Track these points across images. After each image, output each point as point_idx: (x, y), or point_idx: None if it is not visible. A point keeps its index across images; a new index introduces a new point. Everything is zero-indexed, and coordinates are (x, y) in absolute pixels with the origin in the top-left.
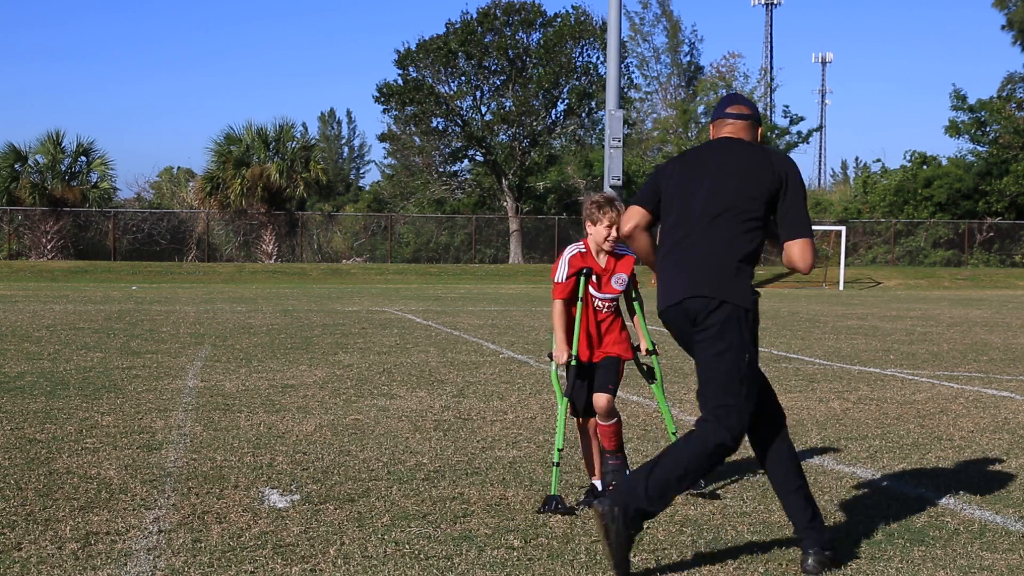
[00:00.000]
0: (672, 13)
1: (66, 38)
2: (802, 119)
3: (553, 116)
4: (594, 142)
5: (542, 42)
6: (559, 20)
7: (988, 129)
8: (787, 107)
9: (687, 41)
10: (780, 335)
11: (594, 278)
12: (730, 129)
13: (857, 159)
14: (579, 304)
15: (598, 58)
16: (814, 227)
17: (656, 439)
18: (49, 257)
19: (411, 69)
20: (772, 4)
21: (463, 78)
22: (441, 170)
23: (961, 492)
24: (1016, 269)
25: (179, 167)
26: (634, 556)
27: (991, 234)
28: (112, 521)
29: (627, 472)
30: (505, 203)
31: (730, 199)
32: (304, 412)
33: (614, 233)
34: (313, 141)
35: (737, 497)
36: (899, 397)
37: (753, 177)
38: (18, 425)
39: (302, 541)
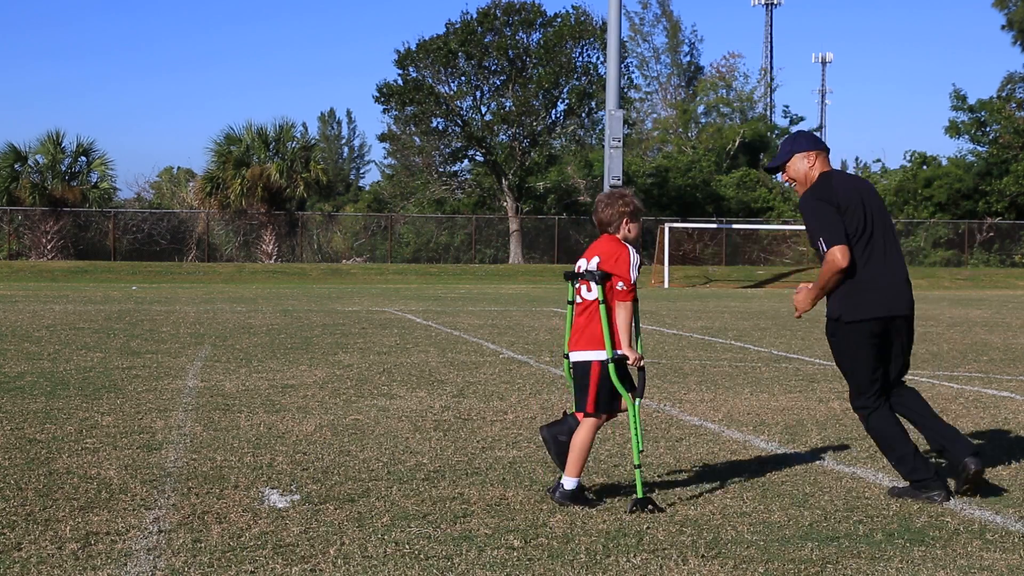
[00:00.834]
0: (672, 13)
1: (66, 38)
2: (802, 119)
3: (553, 116)
4: (594, 142)
5: (542, 42)
6: (559, 20)
7: (988, 129)
8: (787, 107)
9: (687, 41)
10: (780, 335)
11: None
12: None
13: (857, 159)
14: (636, 304)
15: (598, 58)
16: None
17: (656, 439)
18: (49, 257)
19: (411, 69)
20: (772, 4)
21: (463, 78)
22: (441, 170)
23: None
24: (1016, 269)
25: (179, 167)
26: (634, 556)
27: (991, 234)
28: (112, 521)
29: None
30: (505, 203)
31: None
32: (304, 412)
33: None
34: (313, 141)
35: (737, 497)
36: None
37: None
38: (18, 425)
39: (302, 541)
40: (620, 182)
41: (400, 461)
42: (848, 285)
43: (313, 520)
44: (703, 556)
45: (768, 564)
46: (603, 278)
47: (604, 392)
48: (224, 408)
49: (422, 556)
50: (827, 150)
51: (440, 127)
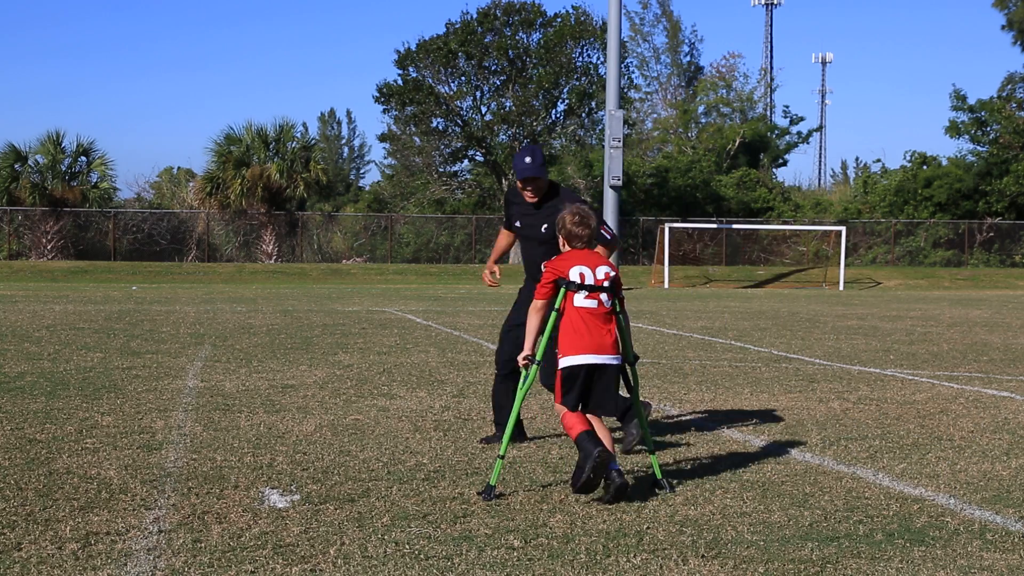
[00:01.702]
0: (672, 13)
1: (66, 38)
2: (802, 119)
3: (553, 116)
4: (594, 142)
5: (542, 42)
6: (559, 20)
7: (988, 129)
8: (787, 107)
9: (687, 41)
10: (780, 335)
11: None
12: None
13: (857, 159)
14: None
15: (598, 58)
16: (816, 227)
17: (655, 439)
18: (49, 257)
19: (411, 69)
20: (772, 4)
21: (463, 78)
22: (441, 170)
23: (961, 492)
24: (1016, 269)
25: (179, 167)
26: (634, 556)
27: (991, 234)
28: (112, 521)
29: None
30: None
31: None
32: (304, 412)
33: None
34: (313, 141)
35: (737, 497)
36: (899, 397)
37: None
38: (18, 425)
39: (302, 541)
40: (620, 182)
41: (400, 461)
42: None
43: (313, 520)
44: (703, 556)
45: (768, 564)
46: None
47: None
48: (224, 408)
49: (422, 556)
50: None
51: (440, 127)
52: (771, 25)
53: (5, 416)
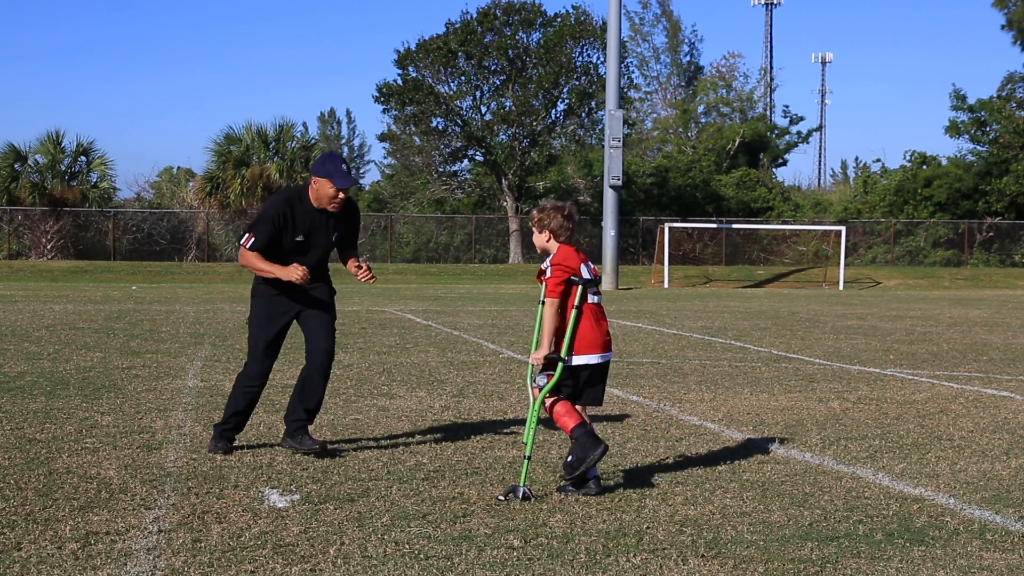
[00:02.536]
0: (672, 13)
1: (66, 38)
2: (802, 119)
3: (553, 116)
4: (594, 142)
5: (542, 42)
6: (559, 20)
7: (988, 129)
8: (787, 107)
9: (687, 41)
10: (780, 335)
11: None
12: None
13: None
14: None
15: (598, 58)
16: (816, 227)
17: (656, 439)
18: (49, 257)
19: (411, 69)
20: (772, 4)
21: (463, 78)
22: (441, 170)
23: (961, 492)
24: (1016, 269)
25: (179, 167)
26: (634, 556)
27: (991, 234)
28: (112, 521)
29: None
30: (505, 203)
31: None
32: None
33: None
34: (313, 141)
35: (737, 497)
36: (899, 397)
37: None
38: (18, 425)
39: (302, 541)
40: (620, 182)
41: (400, 461)
42: None
43: (313, 520)
44: (703, 556)
45: (768, 564)
46: None
47: None
48: (224, 408)
49: (422, 556)
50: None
51: (440, 127)
52: (771, 25)
53: (5, 416)
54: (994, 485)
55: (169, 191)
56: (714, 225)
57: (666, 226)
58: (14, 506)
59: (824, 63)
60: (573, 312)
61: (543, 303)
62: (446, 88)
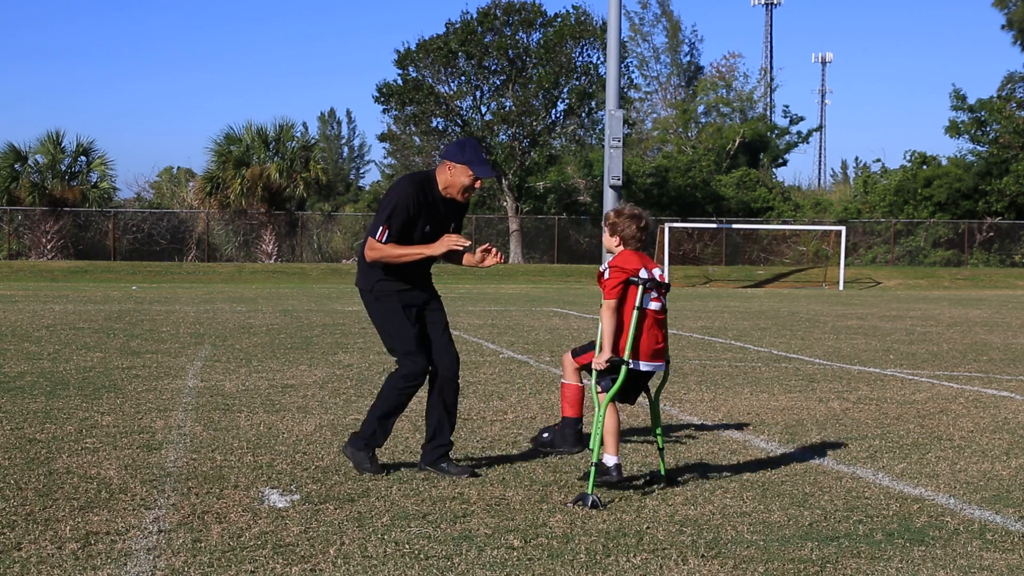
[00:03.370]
0: (672, 13)
1: (66, 38)
2: (802, 119)
3: (553, 116)
4: (594, 142)
5: (542, 42)
6: (559, 20)
7: (988, 129)
8: (787, 107)
9: (687, 41)
10: (780, 335)
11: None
12: None
13: (857, 159)
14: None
15: (598, 58)
16: (816, 227)
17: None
18: (49, 257)
19: (411, 69)
20: (772, 4)
21: (463, 78)
22: None
23: (961, 492)
24: (1016, 269)
25: (179, 167)
26: (634, 556)
27: (991, 234)
28: (112, 521)
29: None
30: (505, 203)
31: None
32: (304, 412)
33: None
34: (313, 141)
35: (737, 497)
36: (899, 397)
37: None
38: (18, 425)
39: (302, 541)
40: (620, 182)
41: (400, 461)
42: None
43: (313, 520)
44: (703, 556)
45: (768, 564)
46: None
47: None
48: (224, 408)
49: (422, 556)
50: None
51: (440, 127)
52: (771, 25)
53: (5, 416)
54: (994, 485)
55: (169, 191)
56: (714, 225)
57: (666, 226)
58: (14, 506)
59: (824, 63)
60: (635, 314)
61: (602, 305)
62: (446, 88)
